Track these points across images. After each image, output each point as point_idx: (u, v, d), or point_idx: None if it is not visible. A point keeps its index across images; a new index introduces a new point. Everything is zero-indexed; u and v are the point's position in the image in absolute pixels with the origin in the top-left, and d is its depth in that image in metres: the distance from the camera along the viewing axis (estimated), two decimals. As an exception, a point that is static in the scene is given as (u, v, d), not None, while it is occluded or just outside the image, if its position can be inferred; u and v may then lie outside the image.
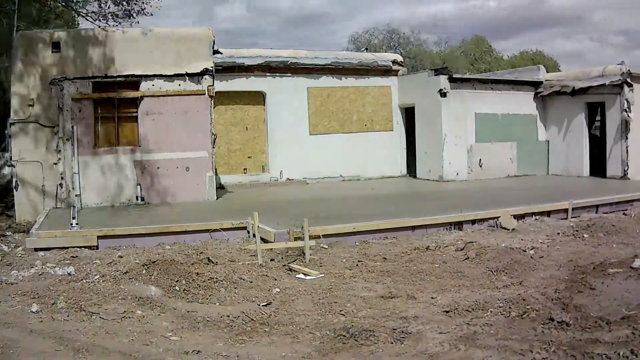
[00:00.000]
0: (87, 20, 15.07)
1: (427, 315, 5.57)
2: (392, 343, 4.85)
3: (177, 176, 13.37)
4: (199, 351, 4.77)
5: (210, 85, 13.59)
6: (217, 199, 13.65)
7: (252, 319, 5.62)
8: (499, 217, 10.56)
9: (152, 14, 14.37)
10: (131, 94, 13.26)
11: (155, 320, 5.52)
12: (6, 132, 13.22)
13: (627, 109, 16.46)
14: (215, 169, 14.10)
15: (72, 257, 8.36)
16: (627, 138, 16.62)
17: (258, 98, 17.68)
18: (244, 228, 9.96)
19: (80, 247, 9.04)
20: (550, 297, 5.80)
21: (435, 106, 17.41)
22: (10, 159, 12.91)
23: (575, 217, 11.04)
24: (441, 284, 6.77)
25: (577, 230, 9.52)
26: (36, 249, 8.90)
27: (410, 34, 40.31)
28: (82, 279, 6.82)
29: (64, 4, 18.51)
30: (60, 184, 12.73)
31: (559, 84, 18.45)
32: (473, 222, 10.44)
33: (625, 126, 16.63)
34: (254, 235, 8.60)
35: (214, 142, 13.91)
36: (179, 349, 4.81)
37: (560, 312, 5.26)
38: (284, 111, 17.60)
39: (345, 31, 79.62)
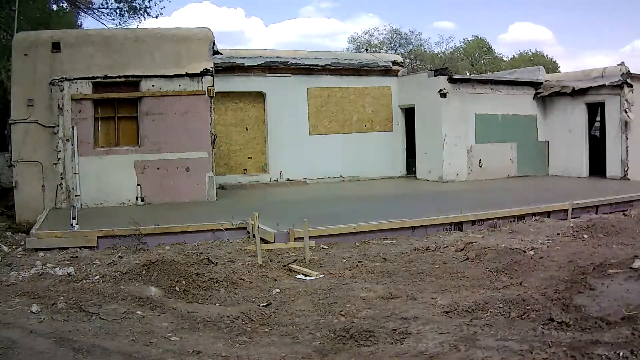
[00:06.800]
0: (92, 17, 15.23)
1: (427, 315, 5.57)
2: (392, 343, 4.85)
3: (177, 176, 13.38)
4: (198, 352, 4.77)
5: (210, 86, 13.60)
6: (217, 199, 13.66)
7: (252, 320, 5.62)
8: (499, 217, 10.60)
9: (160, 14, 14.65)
10: (131, 94, 13.27)
11: (155, 321, 5.52)
12: (6, 132, 13.23)
13: (627, 110, 16.47)
14: (215, 170, 14.10)
15: (72, 257, 8.36)
16: (627, 138, 16.64)
17: (258, 98, 17.69)
18: (244, 228, 9.96)
19: (80, 247, 9.04)
20: (550, 297, 5.79)
21: (435, 107, 17.41)
22: (10, 159, 12.92)
23: (575, 217, 11.03)
24: (441, 284, 6.77)
25: (577, 231, 9.50)
26: (36, 249, 8.90)
27: (411, 34, 40.31)
28: (82, 280, 6.82)
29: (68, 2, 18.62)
30: (60, 184, 12.73)
31: (559, 84, 18.46)
32: (473, 222, 10.45)
33: (625, 126, 16.64)
34: (254, 236, 8.60)
35: (214, 142, 13.92)
36: (179, 350, 4.81)
37: (560, 313, 5.26)
38: (284, 111, 17.61)
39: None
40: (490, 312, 5.52)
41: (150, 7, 21.54)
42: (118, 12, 21.30)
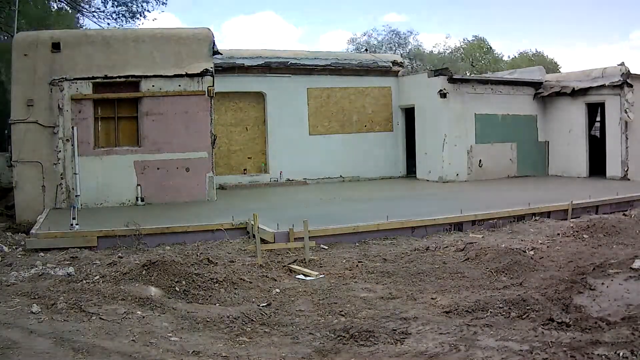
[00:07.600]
0: (91, 20, 15.30)
1: (427, 316, 5.57)
2: (392, 344, 4.85)
3: (177, 177, 13.38)
4: (198, 352, 4.77)
5: (210, 86, 13.60)
6: (217, 199, 13.66)
7: (252, 320, 5.62)
8: (499, 217, 10.60)
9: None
10: (131, 94, 13.27)
11: (155, 321, 5.51)
12: (6, 132, 13.23)
13: (627, 110, 16.47)
14: (215, 170, 14.10)
15: (72, 257, 8.35)
16: (627, 138, 16.64)
17: (258, 98, 17.70)
18: (244, 228, 9.96)
19: (80, 247, 9.04)
20: (551, 297, 5.80)
21: (435, 107, 17.41)
22: (10, 159, 12.92)
23: (575, 217, 11.04)
24: (441, 284, 6.77)
25: (577, 231, 9.50)
26: (36, 250, 8.90)
27: (410, 34, 40.33)
28: (82, 280, 6.82)
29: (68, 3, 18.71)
30: (60, 184, 12.73)
31: (559, 84, 18.46)
32: (473, 222, 10.44)
33: (625, 126, 16.64)
34: (254, 236, 8.60)
35: (214, 142, 13.92)
36: (179, 350, 4.81)
37: (561, 313, 5.26)
38: (283, 112, 17.62)
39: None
40: (490, 312, 5.52)
41: (148, 10, 21.72)
42: (116, 15, 21.46)
